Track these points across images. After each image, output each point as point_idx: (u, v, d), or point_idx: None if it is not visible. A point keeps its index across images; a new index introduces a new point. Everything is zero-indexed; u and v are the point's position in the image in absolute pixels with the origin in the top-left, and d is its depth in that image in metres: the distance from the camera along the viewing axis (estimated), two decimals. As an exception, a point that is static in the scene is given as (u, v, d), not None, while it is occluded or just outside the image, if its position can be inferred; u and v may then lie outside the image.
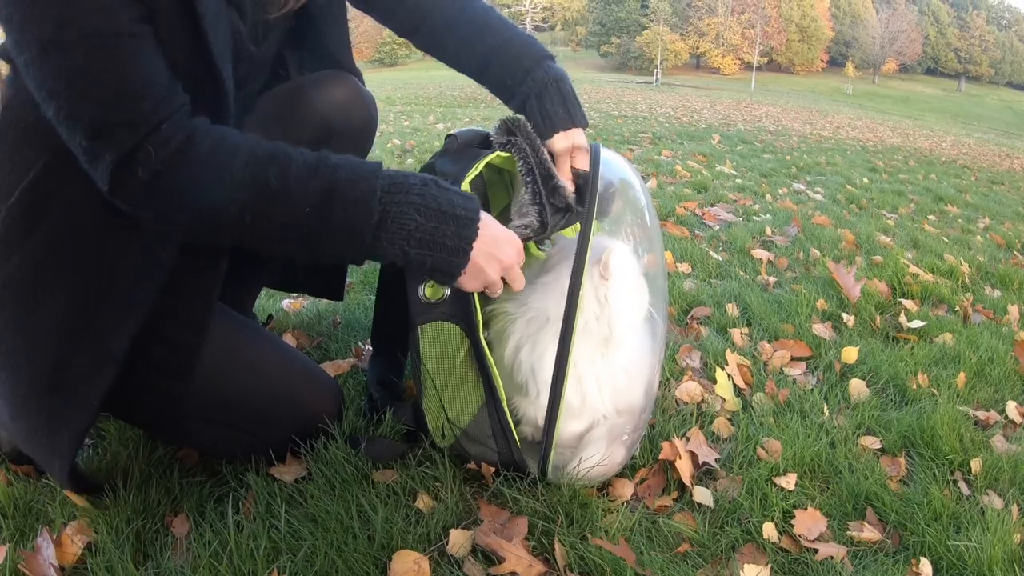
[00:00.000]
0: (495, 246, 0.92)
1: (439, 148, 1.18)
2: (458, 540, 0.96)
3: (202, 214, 0.84)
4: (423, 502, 1.04)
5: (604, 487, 1.14)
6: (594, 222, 1.02)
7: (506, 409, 1.05)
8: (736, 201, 3.77)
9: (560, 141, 1.09)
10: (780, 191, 4.29)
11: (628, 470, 1.17)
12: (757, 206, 3.69)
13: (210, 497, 1.09)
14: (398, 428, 1.17)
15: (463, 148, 1.15)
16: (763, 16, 59.85)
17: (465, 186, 1.03)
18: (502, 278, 0.97)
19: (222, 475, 1.12)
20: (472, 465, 1.10)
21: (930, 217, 4.13)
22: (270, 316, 1.70)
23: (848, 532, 1.13)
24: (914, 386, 1.65)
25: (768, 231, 3.02)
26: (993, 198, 5.64)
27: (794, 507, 1.14)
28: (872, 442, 1.40)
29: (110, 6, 0.76)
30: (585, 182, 1.05)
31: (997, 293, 2.69)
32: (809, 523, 1.12)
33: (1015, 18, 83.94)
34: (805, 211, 3.62)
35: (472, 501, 1.07)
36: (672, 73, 58.45)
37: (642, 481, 1.17)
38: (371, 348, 1.39)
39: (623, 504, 1.10)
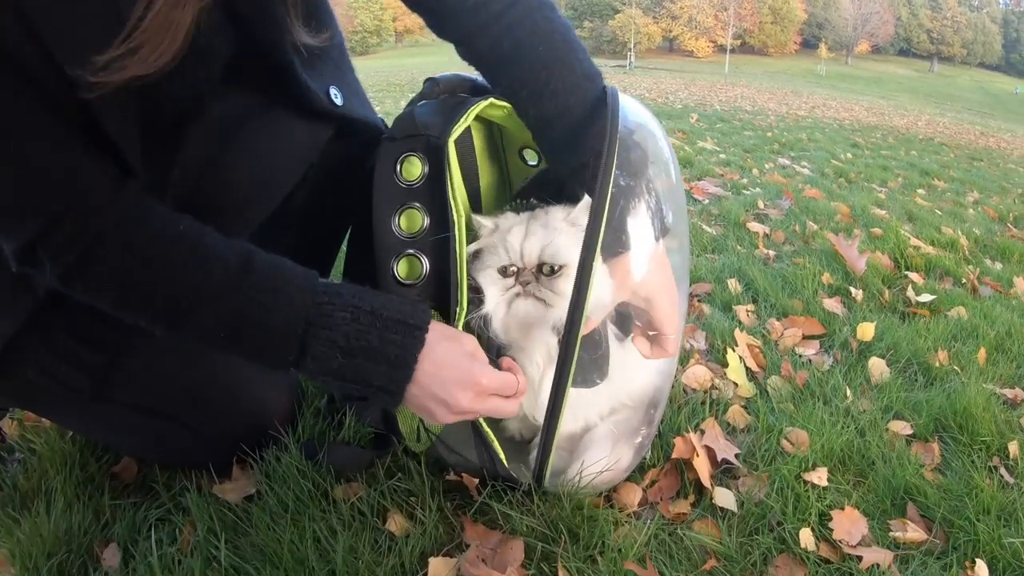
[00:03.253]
0: (443, 389, 0.77)
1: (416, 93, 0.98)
2: (440, 571, 0.79)
3: (119, 312, 0.75)
4: (395, 523, 0.86)
5: (607, 494, 0.97)
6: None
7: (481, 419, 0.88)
8: (723, 175, 3.64)
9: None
10: (766, 165, 4.17)
11: (635, 471, 1.00)
12: (745, 180, 3.57)
13: (145, 522, 0.92)
14: (364, 432, 0.98)
15: (447, 94, 0.96)
16: (736, -2, 59.96)
17: (451, 143, 0.85)
18: None
19: (158, 495, 0.94)
20: (452, 476, 0.93)
21: (919, 191, 4.04)
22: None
23: (891, 533, 0.98)
24: (937, 364, 1.51)
25: (760, 204, 2.88)
26: (976, 173, 5.58)
27: (830, 507, 0.98)
28: (902, 427, 1.25)
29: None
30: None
31: (999, 266, 2.60)
32: (848, 525, 0.97)
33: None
34: (795, 184, 3.52)
35: (455, 520, 0.90)
36: (645, 56, 58.35)
37: (652, 484, 1.00)
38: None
39: (633, 514, 0.93)
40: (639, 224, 0.89)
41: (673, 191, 0.96)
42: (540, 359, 0.88)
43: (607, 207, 0.78)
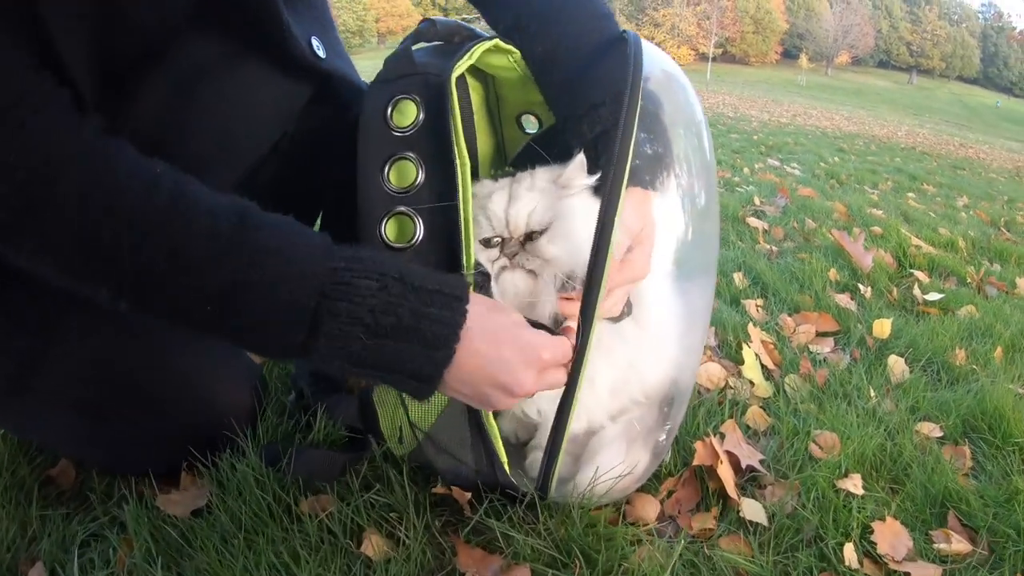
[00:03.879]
0: (503, 369, 0.62)
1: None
2: (428, 602, 0.65)
3: (69, 279, 0.57)
4: (372, 546, 0.72)
5: (619, 506, 0.84)
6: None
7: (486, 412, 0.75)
8: (715, 174, 3.56)
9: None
10: (756, 165, 4.12)
11: (653, 480, 0.88)
12: (737, 178, 3.51)
13: (76, 537, 0.77)
14: (336, 434, 0.85)
15: (443, 40, 0.83)
16: (718, 7, 60.55)
17: (453, 81, 0.72)
18: None
19: (92, 506, 0.80)
20: (441, 489, 0.79)
21: (910, 194, 4.01)
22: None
23: (934, 545, 0.87)
24: (957, 362, 1.42)
25: (757, 200, 2.79)
26: (961, 180, 5.59)
27: (870, 519, 0.87)
28: (931, 429, 1.14)
29: None
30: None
31: (997, 267, 2.54)
32: (891, 538, 0.85)
33: (966, 14, 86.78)
34: (788, 184, 3.45)
35: (444, 541, 0.75)
36: (629, 64, 58.50)
37: (670, 495, 0.88)
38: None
39: (654, 531, 0.80)
40: (666, 204, 0.77)
41: (706, 166, 0.84)
42: None
43: (630, 155, 0.65)
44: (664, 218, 0.78)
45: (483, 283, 0.71)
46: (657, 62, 0.76)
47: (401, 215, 0.71)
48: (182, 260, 0.55)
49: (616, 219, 0.65)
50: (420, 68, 0.74)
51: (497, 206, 0.73)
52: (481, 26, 0.86)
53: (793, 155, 5.17)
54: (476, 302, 0.63)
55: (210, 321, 0.58)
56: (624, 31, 0.77)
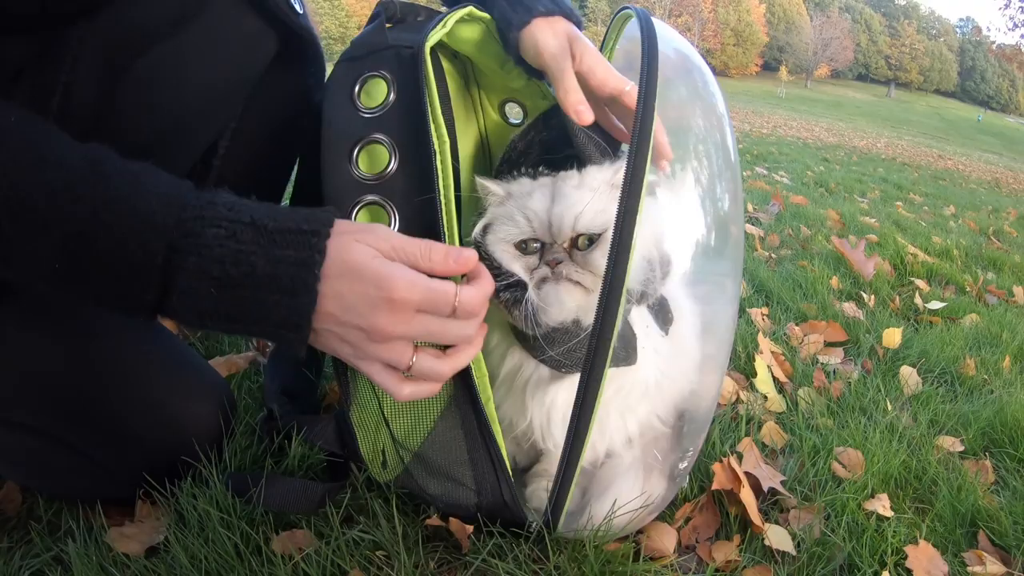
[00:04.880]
0: (354, 311, 0.54)
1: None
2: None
3: None
4: (359, 587, 0.63)
5: (632, 538, 0.75)
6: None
7: (491, 413, 0.66)
8: (705, 182, 3.51)
9: (547, 38, 0.68)
10: (745, 173, 4.07)
11: (667, 506, 0.80)
12: (728, 187, 3.45)
13: None
14: (313, 458, 0.75)
15: (406, 15, 0.74)
16: (700, 19, 61.22)
17: (427, 53, 0.64)
18: None
19: (32, 539, 0.70)
20: (435, 520, 0.70)
21: (898, 203, 3.99)
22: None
23: (968, 568, 0.81)
24: (969, 372, 1.35)
25: (751, 207, 2.74)
26: (944, 190, 5.61)
27: (902, 543, 0.79)
28: (952, 443, 1.08)
29: None
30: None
31: (991, 275, 2.52)
32: (926, 563, 0.79)
33: (944, 28, 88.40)
34: (778, 192, 3.40)
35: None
36: (611, 75, 58.90)
37: (687, 522, 0.79)
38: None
39: (674, 565, 0.72)
40: (685, 208, 0.69)
41: (730, 166, 0.75)
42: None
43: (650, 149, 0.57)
44: (681, 218, 0.70)
45: (518, 296, 0.62)
46: (669, 41, 0.68)
47: (374, 205, 0.63)
48: (29, 215, 0.50)
49: (638, 214, 0.57)
50: (392, 41, 0.66)
51: (539, 205, 0.64)
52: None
53: (779, 164, 5.15)
54: (341, 232, 0.55)
55: (62, 281, 0.52)
56: (627, 6, 0.69)
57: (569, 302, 0.63)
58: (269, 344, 1.09)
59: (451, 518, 0.69)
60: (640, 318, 0.68)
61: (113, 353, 0.67)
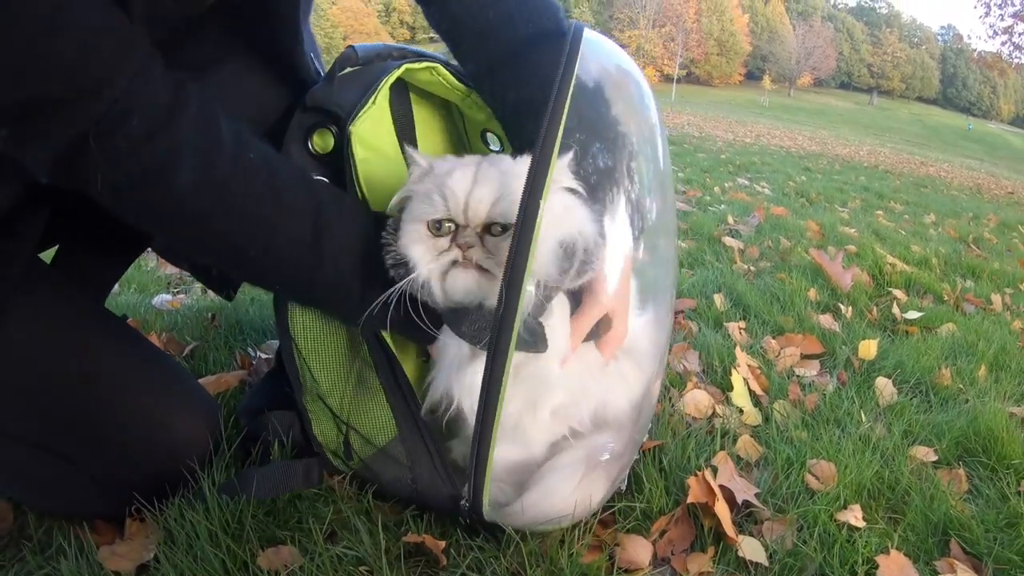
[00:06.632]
0: None
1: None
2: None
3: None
4: (343, 605, 0.65)
5: (609, 551, 0.78)
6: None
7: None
8: (685, 192, 3.58)
9: None
10: (726, 184, 4.13)
11: (642, 520, 0.82)
12: (708, 198, 3.52)
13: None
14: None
15: (365, 62, 0.79)
16: (683, 29, 61.82)
17: (355, 130, 0.74)
18: None
19: (25, 558, 0.71)
20: (412, 537, 0.72)
21: (879, 212, 4.05)
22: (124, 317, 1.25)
23: (940, 577, 0.83)
24: (944, 382, 1.39)
25: (731, 219, 2.78)
26: (925, 198, 5.69)
27: (873, 553, 0.82)
28: (925, 453, 1.11)
29: None
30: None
31: (970, 283, 2.56)
32: (897, 572, 0.81)
33: (926, 36, 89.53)
34: (759, 203, 3.46)
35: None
36: (597, 85, 59.20)
37: (662, 535, 0.82)
38: (270, 358, 0.99)
39: (648, 575, 0.74)
40: (614, 219, 0.71)
41: (660, 174, 0.78)
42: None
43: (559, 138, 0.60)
44: (613, 235, 0.72)
45: (401, 273, 0.66)
46: (612, 57, 0.71)
47: None
48: (269, 256, 0.65)
49: (540, 212, 0.58)
50: (334, 103, 0.74)
51: (458, 185, 0.65)
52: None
53: (761, 174, 5.22)
54: None
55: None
56: (570, 23, 0.73)
57: (475, 288, 0.65)
58: (254, 363, 1.11)
59: (427, 537, 0.72)
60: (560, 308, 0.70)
61: (105, 366, 0.69)
